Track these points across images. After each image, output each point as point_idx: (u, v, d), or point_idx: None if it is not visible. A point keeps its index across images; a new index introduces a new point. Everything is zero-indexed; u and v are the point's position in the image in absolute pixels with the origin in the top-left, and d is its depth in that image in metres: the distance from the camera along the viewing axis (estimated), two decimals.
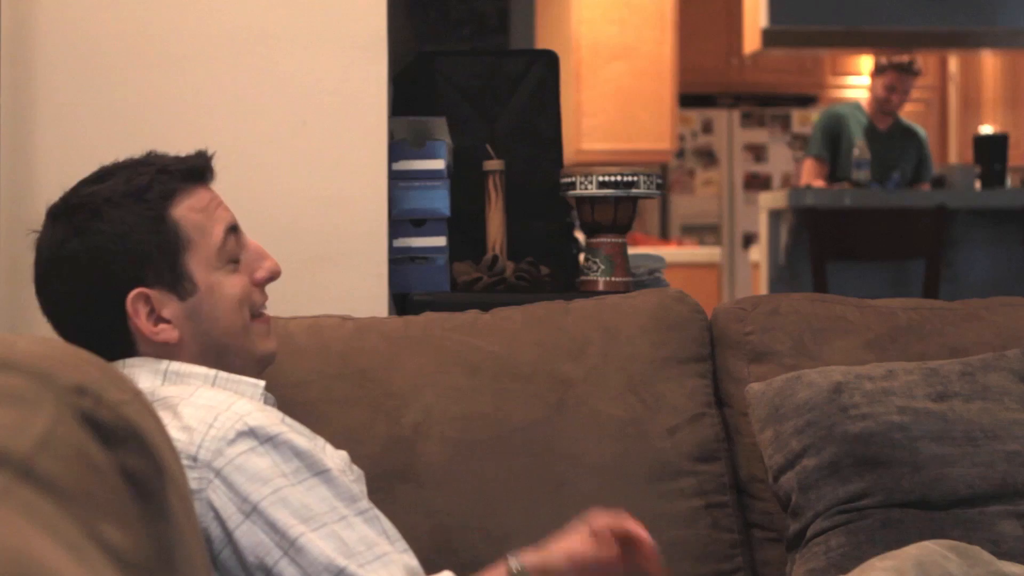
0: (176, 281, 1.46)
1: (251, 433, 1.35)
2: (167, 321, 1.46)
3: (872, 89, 5.87)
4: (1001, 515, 1.69)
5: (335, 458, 1.46)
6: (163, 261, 1.45)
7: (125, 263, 1.44)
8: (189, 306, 1.46)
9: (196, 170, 1.50)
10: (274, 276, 1.55)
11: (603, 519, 1.45)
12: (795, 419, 1.78)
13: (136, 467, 0.87)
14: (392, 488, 1.75)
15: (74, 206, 1.46)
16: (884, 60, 5.83)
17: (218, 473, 1.32)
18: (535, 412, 1.86)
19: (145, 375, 1.45)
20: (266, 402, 1.51)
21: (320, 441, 1.47)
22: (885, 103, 5.81)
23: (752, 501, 1.91)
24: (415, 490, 1.77)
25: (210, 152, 1.52)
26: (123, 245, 1.44)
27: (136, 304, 1.44)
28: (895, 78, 5.77)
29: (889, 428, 1.73)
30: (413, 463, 1.79)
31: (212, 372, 1.46)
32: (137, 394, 0.95)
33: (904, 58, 5.79)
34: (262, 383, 1.50)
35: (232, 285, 1.49)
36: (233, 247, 1.50)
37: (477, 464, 1.80)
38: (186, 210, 1.47)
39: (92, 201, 1.45)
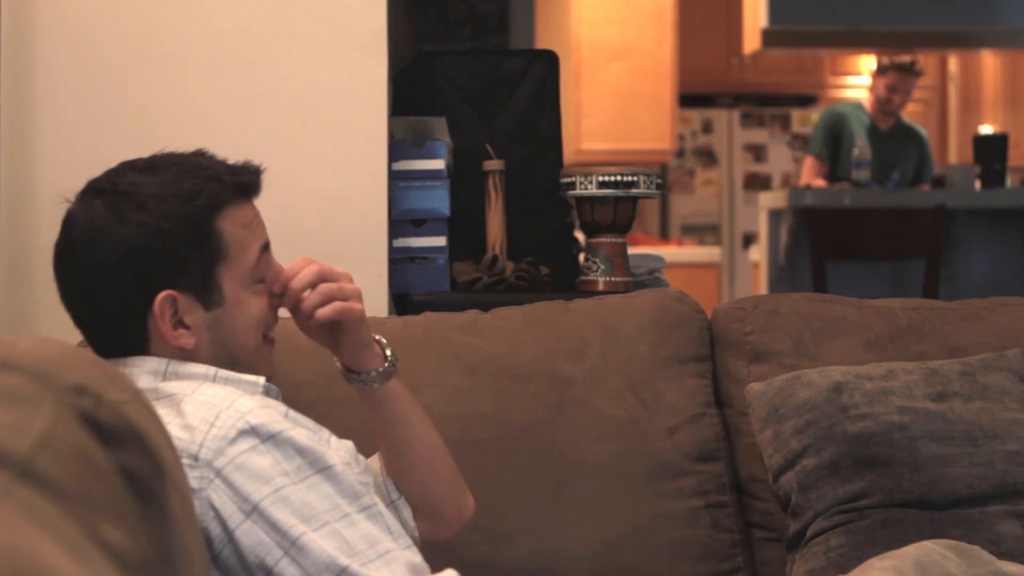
0: (206, 291, 1.45)
1: (252, 431, 1.34)
2: (187, 327, 1.45)
3: (874, 89, 5.87)
4: (1001, 515, 1.69)
5: (340, 450, 1.46)
6: (198, 269, 1.44)
7: (161, 262, 1.43)
8: (212, 317, 1.46)
9: (247, 185, 1.49)
10: None
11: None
12: (795, 419, 1.78)
13: (136, 467, 0.87)
14: None
15: (121, 191, 1.44)
16: (886, 60, 5.83)
17: (219, 473, 1.32)
18: (535, 412, 1.86)
19: (145, 374, 1.44)
20: (268, 395, 1.50)
21: (325, 433, 1.47)
22: (887, 103, 5.81)
23: (752, 501, 1.91)
24: None
25: (262, 167, 1.51)
26: (163, 244, 1.42)
27: (163, 306, 1.43)
28: (897, 78, 5.77)
29: (889, 428, 1.73)
30: None
31: (212, 370, 1.46)
32: (137, 394, 0.95)
33: (906, 58, 5.78)
34: (262, 379, 1.50)
35: (256, 306, 1.49)
36: (263, 267, 1.50)
37: (477, 464, 1.80)
38: (230, 223, 1.46)
39: (140, 191, 1.43)
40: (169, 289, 1.43)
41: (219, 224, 1.45)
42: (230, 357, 1.48)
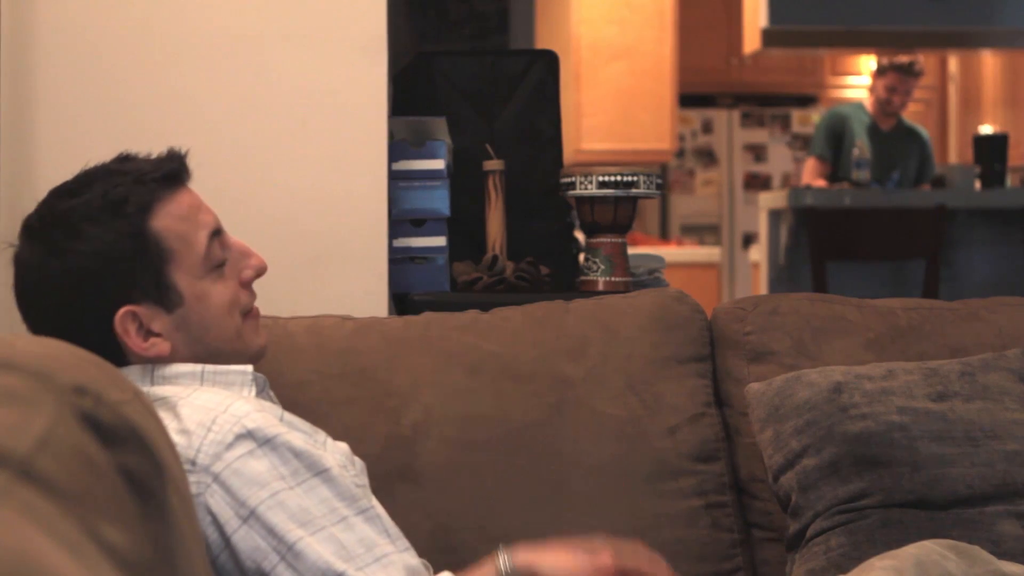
0: (162, 294, 1.44)
1: (249, 435, 1.34)
2: (157, 335, 1.44)
3: (874, 90, 5.87)
4: (1001, 515, 1.69)
5: (336, 452, 1.46)
6: (147, 276, 1.43)
7: (109, 282, 1.42)
8: (177, 317, 1.45)
9: (173, 174, 1.47)
10: (260, 273, 1.53)
11: (611, 556, 1.40)
12: (795, 419, 1.78)
13: (136, 467, 0.87)
14: (392, 488, 1.75)
15: (50, 224, 1.43)
16: (885, 61, 5.83)
17: (216, 478, 1.32)
18: (535, 412, 1.86)
19: (133, 380, 1.44)
20: (258, 387, 1.49)
21: (321, 435, 1.47)
22: (887, 104, 5.81)
23: (752, 501, 1.91)
24: (415, 490, 1.77)
25: (183, 150, 1.49)
26: (105, 264, 1.41)
27: (124, 323, 1.42)
28: (896, 79, 5.77)
29: (889, 428, 1.73)
30: (413, 463, 1.79)
31: (199, 368, 1.45)
32: (137, 394, 0.95)
33: (904, 59, 5.78)
34: (250, 368, 1.49)
35: (219, 293, 1.48)
36: (218, 252, 1.48)
37: (477, 464, 1.80)
38: (167, 219, 1.44)
39: (69, 218, 1.42)
40: (125, 304, 1.42)
41: (154, 225, 1.43)
42: (209, 349, 1.47)
